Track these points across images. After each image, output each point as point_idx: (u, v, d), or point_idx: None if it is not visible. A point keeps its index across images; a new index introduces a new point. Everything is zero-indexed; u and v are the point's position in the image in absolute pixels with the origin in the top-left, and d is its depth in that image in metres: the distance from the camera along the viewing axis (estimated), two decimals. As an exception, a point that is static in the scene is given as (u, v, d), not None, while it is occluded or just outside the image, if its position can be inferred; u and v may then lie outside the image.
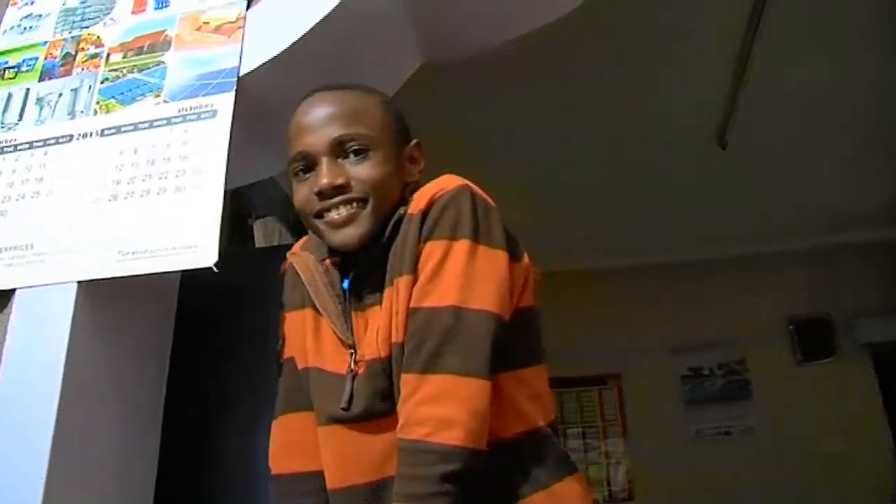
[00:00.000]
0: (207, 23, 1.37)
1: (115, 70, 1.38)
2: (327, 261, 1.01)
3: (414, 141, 1.05)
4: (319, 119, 0.97)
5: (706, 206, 3.87)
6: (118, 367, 1.30)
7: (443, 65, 1.64)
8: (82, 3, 1.49)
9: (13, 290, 1.25)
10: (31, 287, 1.24)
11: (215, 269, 1.15)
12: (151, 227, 1.21)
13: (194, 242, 1.17)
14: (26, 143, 1.37)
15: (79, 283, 1.22)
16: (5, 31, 1.52)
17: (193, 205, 1.20)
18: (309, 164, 0.97)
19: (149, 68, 1.36)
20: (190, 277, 1.32)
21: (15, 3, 1.56)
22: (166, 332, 1.45)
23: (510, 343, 0.91)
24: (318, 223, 0.97)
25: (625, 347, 4.33)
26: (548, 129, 3.09)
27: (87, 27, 1.45)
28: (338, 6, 1.31)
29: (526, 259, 0.99)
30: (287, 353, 1.06)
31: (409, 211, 0.94)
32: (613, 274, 4.46)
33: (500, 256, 0.92)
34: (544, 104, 2.89)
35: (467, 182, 0.95)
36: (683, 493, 3.83)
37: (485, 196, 0.96)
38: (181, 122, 1.28)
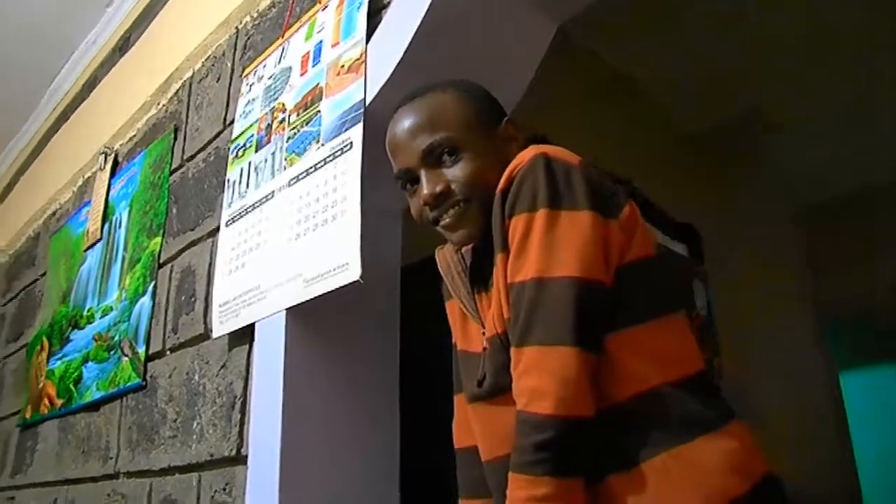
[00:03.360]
0: (343, 66, 1.54)
1: (294, 128, 1.64)
2: (462, 249, 1.10)
3: (505, 119, 1.08)
4: (405, 134, 1.05)
5: None
6: (339, 381, 1.54)
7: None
8: (274, 80, 1.80)
9: (254, 324, 1.59)
10: (260, 319, 1.56)
11: (361, 281, 1.31)
12: (320, 255, 1.42)
13: (345, 262, 1.35)
14: (251, 205, 1.71)
15: (286, 310, 1.49)
16: (236, 120, 1.92)
17: (342, 229, 1.38)
18: (411, 177, 1.05)
19: (312, 120, 1.59)
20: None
21: (242, 94, 1.95)
22: (391, 347, 1.65)
23: (613, 303, 0.89)
24: (438, 228, 1.06)
25: None
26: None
27: (276, 98, 1.76)
28: (428, 11, 1.37)
29: (626, 210, 0.94)
30: (453, 339, 1.18)
31: (497, 191, 0.97)
32: None
33: (584, 217, 0.90)
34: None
35: (543, 150, 0.95)
36: None
37: (564, 157, 0.95)
38: (332, 159, 1.47)
